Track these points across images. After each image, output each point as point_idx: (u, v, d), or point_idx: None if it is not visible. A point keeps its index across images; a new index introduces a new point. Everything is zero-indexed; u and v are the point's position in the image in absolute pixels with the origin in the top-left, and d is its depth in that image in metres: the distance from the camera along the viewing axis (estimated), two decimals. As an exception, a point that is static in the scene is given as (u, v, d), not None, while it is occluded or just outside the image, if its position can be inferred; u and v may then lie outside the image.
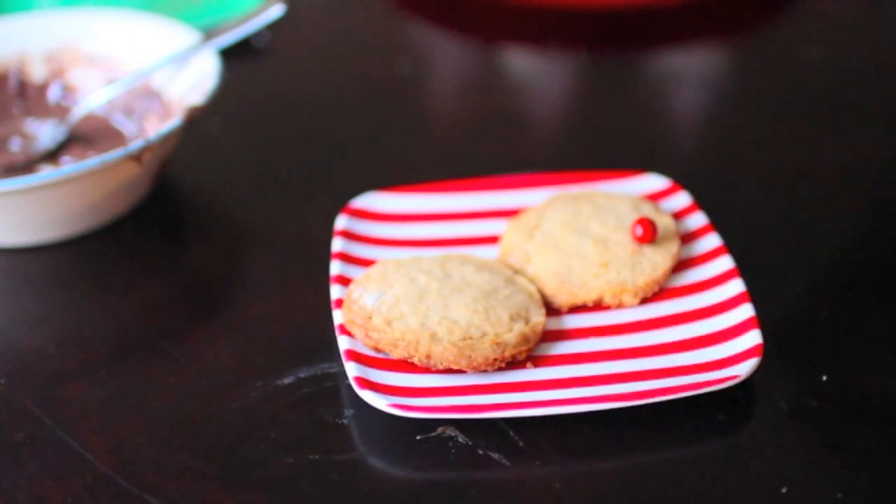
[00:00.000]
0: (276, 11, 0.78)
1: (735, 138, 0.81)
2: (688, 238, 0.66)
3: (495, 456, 0.55)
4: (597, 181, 0.70)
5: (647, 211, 0.67)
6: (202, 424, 0.58)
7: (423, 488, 0.54)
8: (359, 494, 0.54)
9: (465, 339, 0.58)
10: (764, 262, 0.66)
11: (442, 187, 0.70)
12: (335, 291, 0.62)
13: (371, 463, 0.55)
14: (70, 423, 0.58)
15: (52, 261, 0.70)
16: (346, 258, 0.64)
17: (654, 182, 0.70)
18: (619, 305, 0.63)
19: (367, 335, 0.58)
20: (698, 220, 0.67)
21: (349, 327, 0.59)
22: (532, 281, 0.63)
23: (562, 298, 0.62)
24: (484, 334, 0.58)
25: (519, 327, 0.59)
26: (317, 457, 0.56)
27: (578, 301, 0.63)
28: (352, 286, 0.61)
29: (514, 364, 0.58)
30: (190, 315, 0.66)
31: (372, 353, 0.59)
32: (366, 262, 0.65)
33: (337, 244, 0.65)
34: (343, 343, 0.59)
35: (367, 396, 0.56)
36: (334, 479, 0.54)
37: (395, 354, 0.58)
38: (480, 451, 0.55)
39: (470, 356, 0.57)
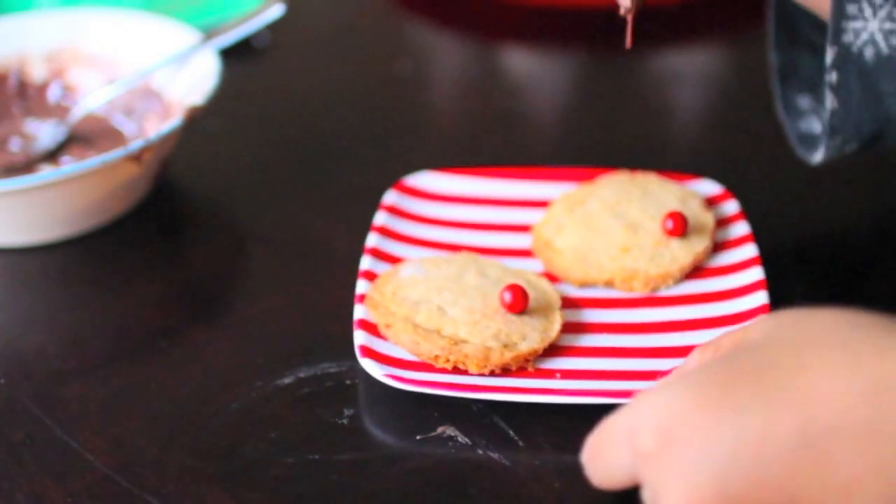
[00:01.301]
0: (276, 11, 0.78)
1: (734, 138, 0.81)
2: (724, 245, 0.66)
3: (495, 456, 0.55)
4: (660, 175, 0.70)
5: (693, 206, 0.67)
6: (202, 424, 0.58)
7: (422, 488, 0.54)
8: (359, 494, 0.54)
9: (432, 330, 0.58)
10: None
11: (497, 173, 0.71)
12: (365, 262, 0.63)
13: (371, 463, 0.55)
14: (70, 423, 0.58)
15: (52, 261, 0.70)
16: (385, 232, 0.66)
17: (706, 188, 0.70)
18: (630, 291, 0.63)
19: (370, 295, 0.60)
20: (741, 229, 0.66)
21: (370, 289, 0.61)
22: (556, 254, 0.64)
23: (575, 274, 0.64)
24: (452, 334, 0.58)
25: (490, 343, 0.58)
26: (317, 457, 0.56)
27: (590, 280, 0.63)
28: (413, 259, 0.63)
29: (464, 371, 0.58)
30: (190, 315, 0.66)
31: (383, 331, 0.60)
32: (403, 238, 0.66)
33: (380, 218, 0.67)
34: (357, 312, 0.60)
35: (367, 364, 0.57)
36: (334, 479, 0.54)
37: (373, 317, 0.59)
38: (480, 451, 0.55)
39: (418, 342, 0.58)
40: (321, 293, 0.64)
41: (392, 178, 0.71)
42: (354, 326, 0.59)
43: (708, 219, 0.66)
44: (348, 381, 0.60)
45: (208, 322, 0.66)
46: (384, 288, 0.61)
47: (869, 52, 0.59)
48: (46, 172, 0.67)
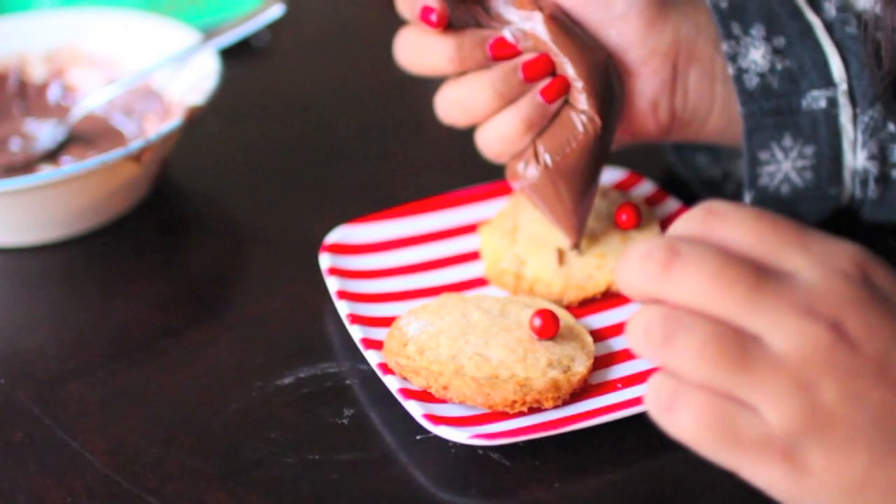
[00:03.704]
0: (276, 11, 0.78)
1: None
2: (666, 224, 0.66)
3: (495, 456, 0.55)
4: None
5: (618, 198, 0.67)
6: (202, 424, 0.58)
7: (422, 488, 0.54)
8: (359, 494, 0.54)
9: (490, 377, 0.56)
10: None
11: (407, 210, 0.68)
12: (356, 332, 0.59)
13: (371, 463, 0.55)
14: (70, 423, 0.58)
15: (52, 261, 0.70)
16: (344, 295, 0.62)
17: (614, 174, 0.70)
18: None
19: (396, 362, 0.57)
20: (671, 205, 0.68)
21: (385, 355, 0.58)
22: (533, 283, 0.63)
23: (572, 295, 0.63)
24: (512, 375, 0.56)
25: (553, 374, 0.56)
26: (317, 457, 0.56)
27: (588, 295, 0.63)
28: (404, 315, 0.60)
29: (537, 409, 0.56)
30: (190, 315, 0.66)
31: (425, 391, 0.56)
32: (361, 297, 0.62)
33: (332, 283, 0.63)
34: (392, 383, 0.57)
35: (445, 432, 0.54)
36: (334, 479, 0.54)
37: (416, 383, 0.56)
38: (480, 452, 0.55)
39: (488, 394, 0.55)
40: (321, 293, 0.64)
41: (391, 178, 0.71)
42: (381, 371, 0.57)
43: (641, 205, 0.67)
44: (348, 381, 0.60)
45: (208, 322, 0.66)
46: (404, 350, 0.58)
47: (785, 188, 0.63)
48: (46, 172, 0.67)
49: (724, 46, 0.62)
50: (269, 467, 0.55)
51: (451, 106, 0.63)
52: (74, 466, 0.56)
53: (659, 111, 0.63)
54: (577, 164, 0.61)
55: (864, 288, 0.41)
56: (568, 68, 0.60)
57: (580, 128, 0.60)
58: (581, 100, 0.60)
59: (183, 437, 0.57)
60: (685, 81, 0.63)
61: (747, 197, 0.63)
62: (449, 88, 0.63)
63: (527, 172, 0.62)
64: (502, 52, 0.61)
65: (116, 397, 0.60)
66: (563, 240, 0.64)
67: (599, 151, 0.61)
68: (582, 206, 0.62)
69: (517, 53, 0.61)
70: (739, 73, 0.62)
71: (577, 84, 0.60)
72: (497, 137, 0.62)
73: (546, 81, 0.61)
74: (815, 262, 0.41)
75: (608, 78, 0.61)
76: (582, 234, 0.63)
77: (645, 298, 0.43)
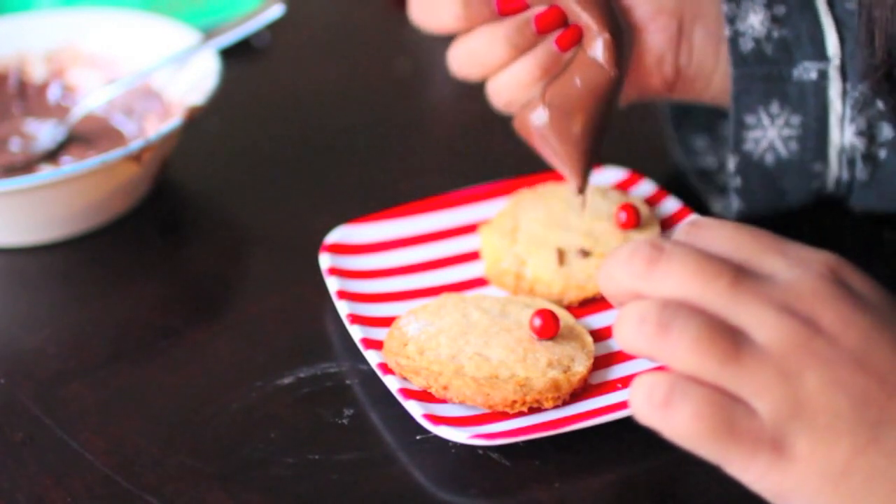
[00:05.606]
0: (276, 11, 0.78)
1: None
2: (667, 224, 0.67)
3: (495, 456, 0.55)
4: (555, 181, 0.69)
5: (618, 198, 0.67)
6: (202, 424, 0.58)
7: (422, 488, 0.54)
8: (359, 494, 0.54)
9: (490, 377, 0.56)
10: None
11: (407, 210, 0.68)
12: (355, 332, 0.59)
13: (371, 463, 0.55)
14: (70, 423, 0.58)
15: (52, 261, 0.70)
16: (344, 295, 0.62)
17: (614, 174, 0.70)
18: None
19: (396, 362, 0.57)
20: (671, 205, 0.68)
21: (385, 355, 0.58)
22: (533, 283, 0.63)
23: (572, 295, 0.63)
24: (512, 375, 0.56)
25: (553, 374, 0.56)
26: (317, 457, 0.56)
27: (588, 295, 0.63)
28: (404, 315, 0.60)
29: (537, 409, 0.56)
30: (189, 315, 0.66)
31: (425, 391, 0.56)
32: (361, 297, 0.62)
33: (332, 283, 0.63)
34: (392, 383, 0.57)
35: (446, 432, 0.54)
36: (334, 479, 0.54)
37: (416, 383, 0.56)
38: (480, 451, 0.55)
39: (488, 394, 0.55)
40: (321, 293, 0.64)
41: (391, 178, 0.71)
42: (381, 371, 0.57)
43: (641, 205, 0.67)
44: (348, 381, 0.60)
45: (208, 322, 0.66)
46: (404, 350, 0.58)
47: (770, 158, 0.64)
48: (46, 172, 0.67)
49: (725, 7, 0.63)
50: (269, 467, 0.55)
51: (464, 59, 0.64)
52: (74, 466, 0.56)
53: (664, 67, 0.64)
54: (587, 106, 0.61)
55: (838, 286, 0.43)
56: (581, 15, 0.61)
57: (592, 71, 0.61)
58: (594, 45, 0.61)
59: (183, 437, 0.57)
60: (690, 39, 0.64)
61: (731, 162, 0.64)
62: (462, 43, 0.64)
63: (536, 117, 0.62)
64: (508, 6, 0.62)
65: (116, 397, 0.60)
66: (569, 185, 0.64)
67: (611, 95, 0.62)
68: (590, 150, 0.62)
69: (523, 6, 0.62)
70: (735, 36, 0.62)
71: (592, 31, 0.61)
72: (511, 84, 0.63)
73: (560, 31, 0.61)
74: (792, 264, 0.43)
75: (617, 19, 0.61)
76: (587, 179, 0.63)
77: (626, 297, 0.44)
